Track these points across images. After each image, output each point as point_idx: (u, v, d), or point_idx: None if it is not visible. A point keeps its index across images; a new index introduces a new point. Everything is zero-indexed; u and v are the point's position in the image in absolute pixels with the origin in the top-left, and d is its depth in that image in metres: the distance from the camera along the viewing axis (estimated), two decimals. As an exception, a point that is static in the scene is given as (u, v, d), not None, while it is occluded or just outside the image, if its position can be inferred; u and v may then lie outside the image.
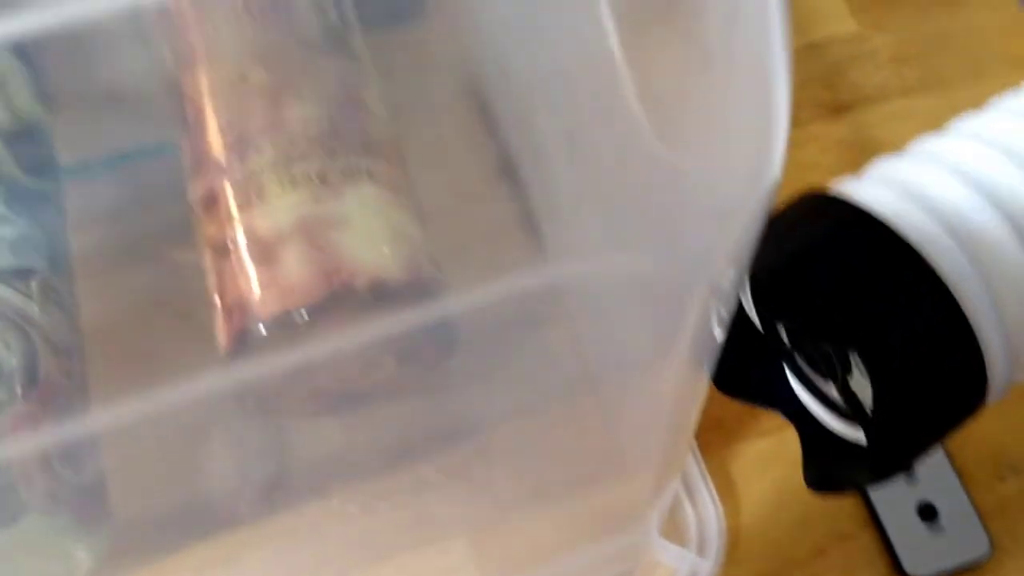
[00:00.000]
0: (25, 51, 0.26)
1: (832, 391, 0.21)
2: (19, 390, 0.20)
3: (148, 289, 0.25)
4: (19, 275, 0.22)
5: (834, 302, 0.18)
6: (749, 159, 0.13)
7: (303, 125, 0.22)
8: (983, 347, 0.18)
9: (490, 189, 0.28)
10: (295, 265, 0.21)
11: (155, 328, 0.24)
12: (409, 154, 0.25)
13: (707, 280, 0.13)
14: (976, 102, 0.22)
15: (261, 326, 0.21)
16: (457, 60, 0.30)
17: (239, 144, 0.23)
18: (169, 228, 0.25)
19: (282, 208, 0.22)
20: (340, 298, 0.21)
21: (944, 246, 0.18)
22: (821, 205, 0.19)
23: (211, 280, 0.22)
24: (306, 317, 0.21)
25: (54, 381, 0.21)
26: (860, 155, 0.32)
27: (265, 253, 0.21)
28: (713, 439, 0.28)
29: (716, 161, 0.15)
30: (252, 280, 0.21)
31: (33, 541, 0.20)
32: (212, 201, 0.23)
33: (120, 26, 0.28)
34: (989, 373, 0.18)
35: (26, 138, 0.25)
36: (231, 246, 0.22)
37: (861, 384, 0.19)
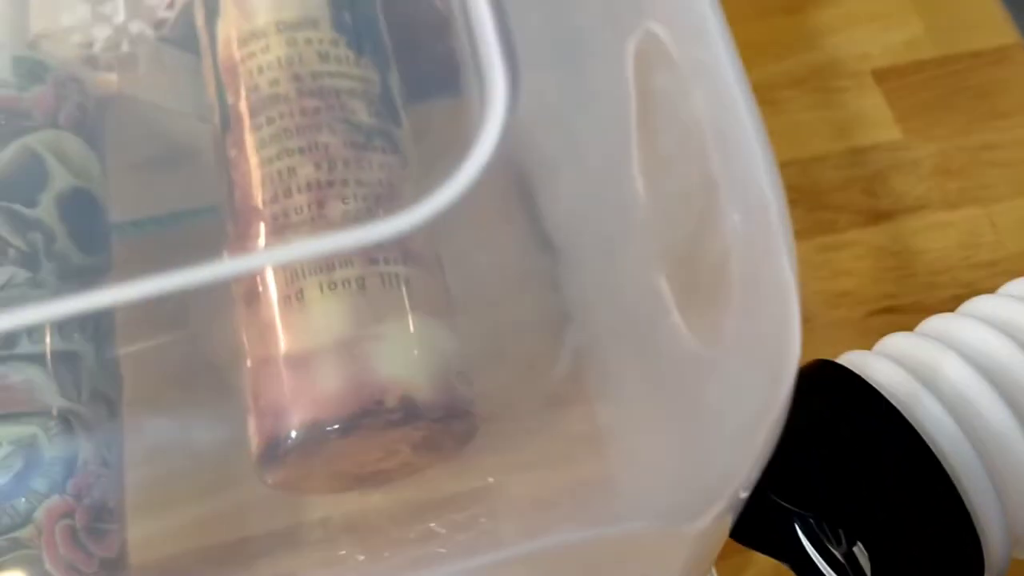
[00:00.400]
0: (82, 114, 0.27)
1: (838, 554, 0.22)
2: (57, 480, 0.21)
3: (183, 367, 0.26)
4: (65, 360, 0.23)
5: (833, 485, 0.19)
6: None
7: (344, 226, 0.23)
8: (982, 536, 0.18)
9: (527, 280, 0.29)
10: (328, 376, 0.22)
11: (185, 410, 0.25)
12: (444, 242, 0.26)
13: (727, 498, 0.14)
14: (1017, 217, 0.22)
15: (293, 434, 0.22)
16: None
17: (283, 240, 0.24)
18: (210, 299, 0.25)
19: (320, 314, 0.22)
20: (369, 414, 0.21)
21: (951, 433, 0.18)
22: (830, 379, 0.20)
23: (247, 377, 0.23)
24: (336, 430, 0.21)
25: (91, 471, 0.22)
26: (897, 264, 0.32)
27: (300, 360, 0.22)
28: (727, 548, 0.28)
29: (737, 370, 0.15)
30: (286, 386, 0.22)
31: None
32: (253, 296, 0.23)
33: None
34: (987, 558, 0.18)
35: (81, 205, 0.25)
36: (269, 347, 0.23)
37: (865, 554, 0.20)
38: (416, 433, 0.22)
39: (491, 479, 0.29)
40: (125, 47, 0.29)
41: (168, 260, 0.28)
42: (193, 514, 0.24)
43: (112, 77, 0.29)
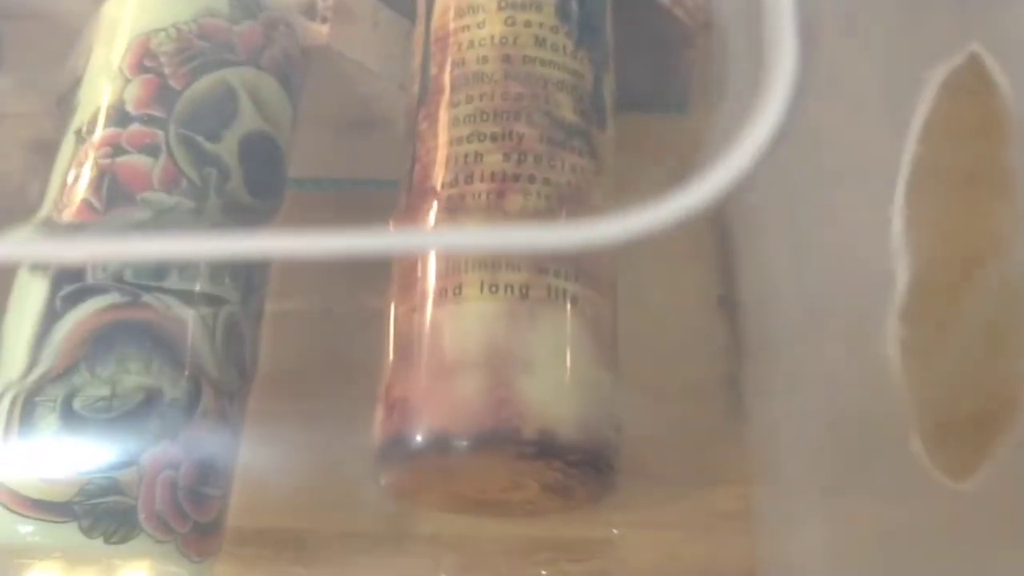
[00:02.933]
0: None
1: None
2: (173, 425, 0.20)
3: (328, 338, 0.25)
4: (210, 303, 0.22)
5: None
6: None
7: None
8: None
9: (704, 333, 0.26)
10: (469, 387, 0.20)
11: (321, 382, 0.25)
12: (625, 270, 0.24)
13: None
14: None
15: (418, 438, 0.20)
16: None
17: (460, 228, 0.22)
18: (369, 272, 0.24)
19: (474, 314, 0.21)
20: (503, 438, 0.20)
21: None
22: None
23: (387, 364, 0.22)
24: (465, 446, 0.20)
25: (212, 421, 0.21)
26: None
27: (444, 361, 0.20)
28: None
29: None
30: (422, 385, 0.20)
31: (137, 561, 0.21)
32: (410, 277, 0.22)
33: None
34: None
35: (264, 150, 0.25)
36: (415, 337, 0.21)
37: None
38: (549, 472, 0.20)
39: (616, 531, 0.27)
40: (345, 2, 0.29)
41: (336, 223, 0.27)
42: (301, 496, 0.23)
43: (324, 29, 0.28)
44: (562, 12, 0.24)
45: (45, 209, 0.23)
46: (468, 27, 0.25)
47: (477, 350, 0.20)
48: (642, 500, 0.25)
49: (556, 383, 0.20)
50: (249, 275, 0.23)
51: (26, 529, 0.19)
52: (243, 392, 0.22)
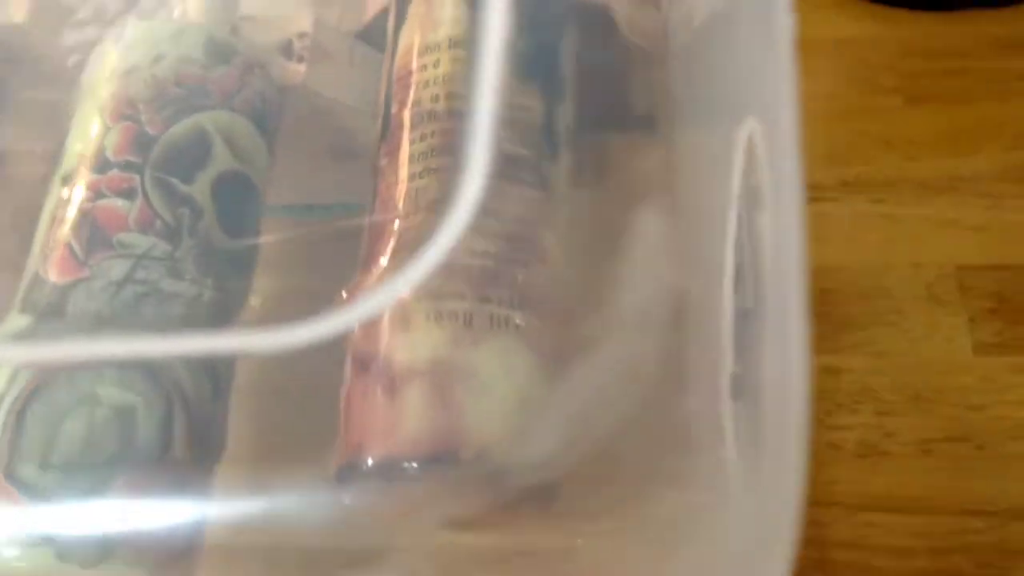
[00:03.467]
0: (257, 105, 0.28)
1: None
2: (146, 456, 0.22)
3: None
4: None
5: None
6: None
7: (466, 260, 0.23)
8: None
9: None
10: (414, 412, 0.21)
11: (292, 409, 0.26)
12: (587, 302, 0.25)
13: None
14: None
15: (369, 462, 0.22)
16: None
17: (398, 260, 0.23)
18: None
19: (420, 344, 0.22)
20: (443, 461, 0.21)
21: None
22: None
23: (344, 389, 0.23)
24: (410, 469, 0.21)
25: (180, 456, 0.23)
26: None
27: (393, 388, 0.22)
28: None
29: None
30: (374, 412, 0.22)
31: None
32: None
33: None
34: None
35: (237, 189, 0.27)
36: (370, 366, 0.23)
37: None
38: (493, 488, 0.22)
39: (580, 541, 0.28)
40: (320, 38, 0.31)
41: (309, 254, 0.29)
42: (270, 514, 0.25)
43: (301, 68, 0.30)
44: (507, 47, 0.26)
45: (33, 257, 0.25)
46: (425, 67, 0.26)
47: (423, 376, 0.22)
48: (598, 508, 0.26)
49: (495, 404, 0.21)
50: (222, 307, 0.25)
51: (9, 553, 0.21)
52: (219, 416, 0.24)
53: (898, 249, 0.35)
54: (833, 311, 0.33)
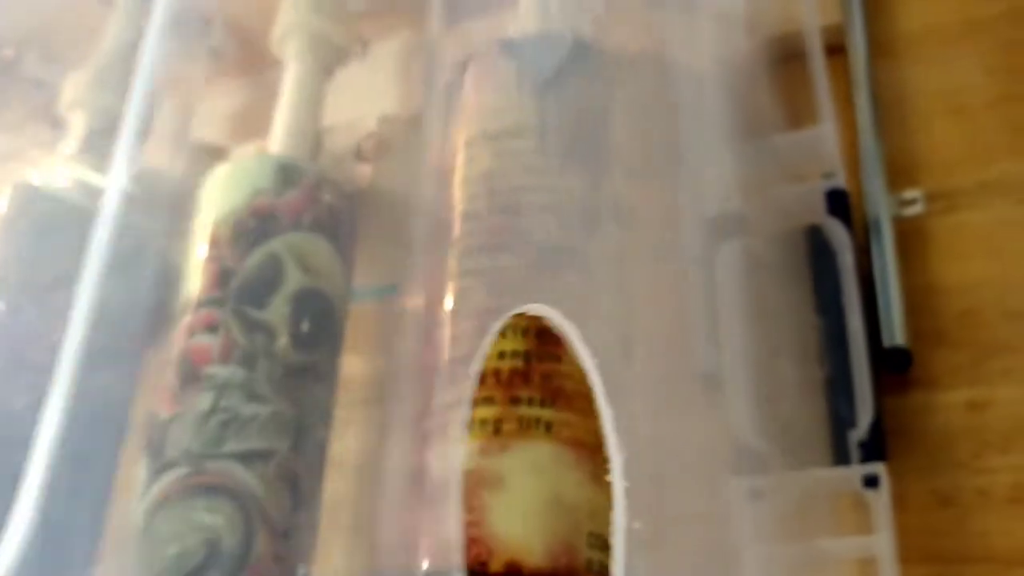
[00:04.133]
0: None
1: None
2: (231, 566, 0.24)
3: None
4: (261, 456, 0.26)
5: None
6: None
7: (497, 362, 0.23)
8: None
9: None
10: (448, 523, 0.22)
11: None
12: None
13: None
14: None
15: (423, 570, 0.22)
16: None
17: (446, 370, 0.24)
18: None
19: (452, 456, 0.22)
20: (476, 571, 0.21)
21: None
22: None
23: (404, 498, 0.24)
24: (451, 579, 0.22)
25: (264, 566, 0.25)
26: None
27: (431, 499, 0.23)
28: None
29: None
30: (419, 520, 0.23)
31: None
32: (421, 421, 0.24)
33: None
34: None
35: (309, 303, 0.28)
36: (415, 477, 0.23)
37: None
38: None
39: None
40: (384, 135, 0.32)
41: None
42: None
43: (367, 169, 0.32)
44: (542, 133, 0.26)
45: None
46: (464, 164, 0.27)
47: (455, 487, 0.22)
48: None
49: (523, 512, 0.21)
50: (299, 422, 0.27)
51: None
52: (302, 523, 0.26)
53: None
54: (977, 335, 0.30)
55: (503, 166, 0.26)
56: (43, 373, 0.30)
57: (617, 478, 0.21)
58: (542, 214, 0.25)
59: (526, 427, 0.22)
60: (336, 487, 0.27)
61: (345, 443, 0.38)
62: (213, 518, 0.25)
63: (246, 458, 0.25)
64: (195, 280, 0.28)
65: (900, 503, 0.28)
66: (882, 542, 0.25)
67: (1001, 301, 0.30)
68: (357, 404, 0.39)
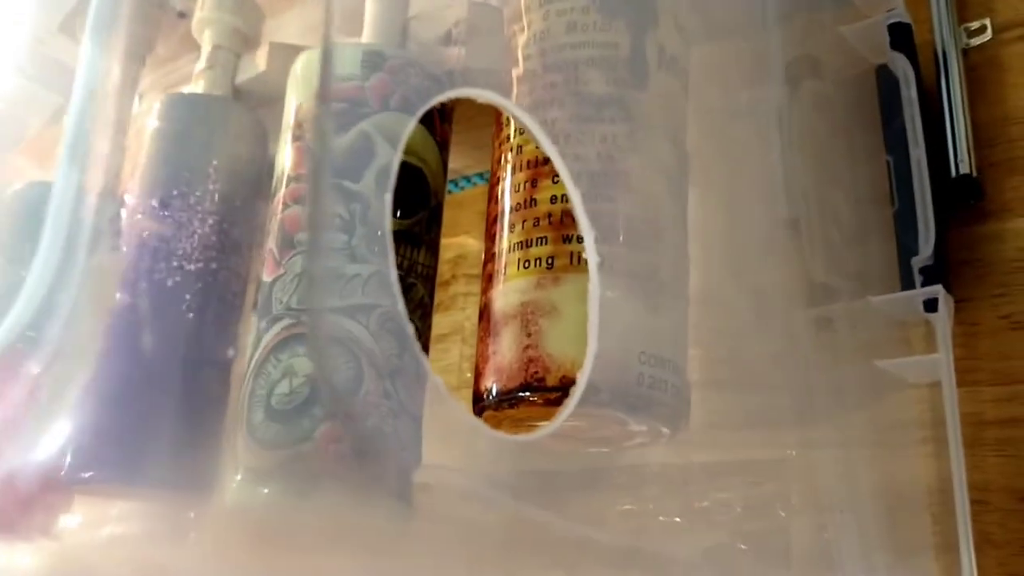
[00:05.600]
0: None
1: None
2: (340, 406, 0.28)
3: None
4: (364, 310, 0.29)
5: None
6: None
7: (549, 206, 0.26)
8: None
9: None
10: (508, 348, 0.25)
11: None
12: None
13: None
14: None
15: (485, 397, 0.26)
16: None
17: (505, 218, 0.27)
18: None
19: (512, 290, 0.25)
20: (531, 389, 0.24)
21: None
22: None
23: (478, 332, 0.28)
24: (507, 400, 0.25)
25: (372, 401, 0.29)
26: None
27: (495, 330, 0.26)
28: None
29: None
30: (485, 351, 0.26)
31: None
32: (487, 267, 0.27)
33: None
34: None
35: (400, 176, 0.32)
36: (483, 314, 0.27)
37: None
38: (593, 413, 0.24)
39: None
40: (474, 20, 0.34)
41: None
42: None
43: (461, 51, 0.34)
44: (588, -8, 0.28)
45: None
46: (521, 30, 0.29)
47: (515, 316, 0.25)
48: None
49: (576, 335, 0.24)
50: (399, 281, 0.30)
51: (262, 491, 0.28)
52: (407, 367, 0.29)
53: None
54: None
55: (550, 26, 0.28)
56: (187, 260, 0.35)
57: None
58: (588, 68, 0.27)
59: (576, 261, 0.25)
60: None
61: (466, 313, 0.42)
62: (315, 361, 0.29)
63: (351, 311, 0.29)
64: (284, 159, 0.32)
65: (972, 329, 0.29)
66: (942, 362, 0.27)
67: None
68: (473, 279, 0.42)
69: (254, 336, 0.30)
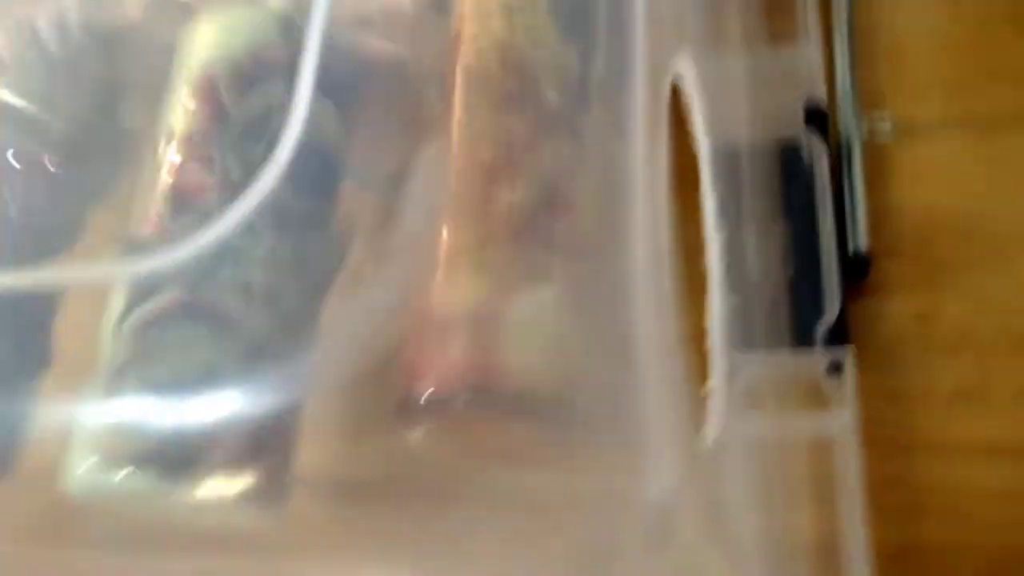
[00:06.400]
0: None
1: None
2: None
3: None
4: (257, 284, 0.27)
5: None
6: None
7: (507, 211, 0.25)
8: None
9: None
10: (457, 352, 0.23)
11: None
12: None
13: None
14: None
15: (422, 399, 0.24)
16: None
17: (453, 215, 0.26)
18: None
19: (463, 290, 0.24)
20: (486, 396, 0.23)
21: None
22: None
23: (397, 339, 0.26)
24: (459, 405, 0.23)
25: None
26: None
27: (440, 331, 0.24)
28: None
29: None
30: (424, 352, 0.24)
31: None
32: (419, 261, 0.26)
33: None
34: None
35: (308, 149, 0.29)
36: (421, 317, 0.25)
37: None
38: (540, 427, 0.23)
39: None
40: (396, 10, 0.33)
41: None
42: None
43: (379, 41, 0.33)
44: (552, 6, 0.27)
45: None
46: (477, 34, 0.28)
47: (465, 319, 0.24)
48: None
49: (532, 346, 0.23)
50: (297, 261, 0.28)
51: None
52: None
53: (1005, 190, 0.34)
54: (931, 253, 0.33)
55: (514, 35, 0.27)
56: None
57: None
58: (547, 82, 0.26)
59: (532, 270, 0.24)
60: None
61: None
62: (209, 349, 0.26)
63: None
64: (179, 115, 0.29)
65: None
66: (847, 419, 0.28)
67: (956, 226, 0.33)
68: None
69: (121, 304, 0.27)
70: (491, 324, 0.23)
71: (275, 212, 0.28)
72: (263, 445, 0.25)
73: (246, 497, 0.25)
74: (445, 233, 0.25)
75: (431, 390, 0.23)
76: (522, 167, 0.25)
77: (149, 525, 0.25)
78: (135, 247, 0.27)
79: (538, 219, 0.24)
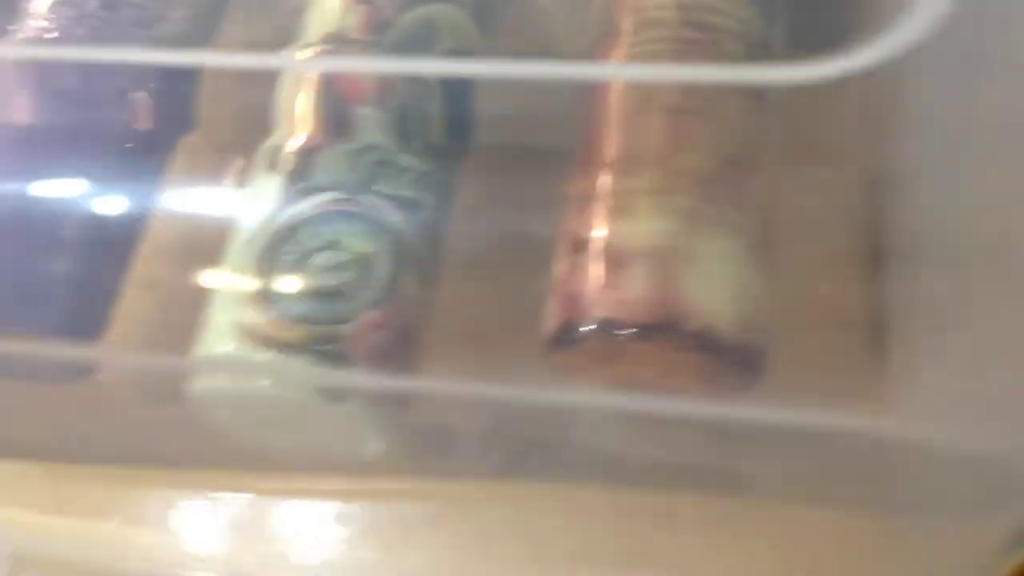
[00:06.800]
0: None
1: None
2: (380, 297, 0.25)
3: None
4: (411, 205, 0.26)
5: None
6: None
7: (691, 167, 0.25)
8: None
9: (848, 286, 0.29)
10: (638, 283, 0.24)
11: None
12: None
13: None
14: None
15: (588, 324, 0.24)
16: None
17: (628, 162, 0.26)
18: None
19: (646, 230, 0.24)
20: (666, 330, 0.23)
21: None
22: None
23: (558, 268, 0.26)
24: (632, 334, 0.23)
25: (411, 300, 0.25)
26: None
27: (617, 262, 0.24)
28: None
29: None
30: (596, 281, 0.24)
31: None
32: (586, 199, 0.26)
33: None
34: None
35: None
36: (590, 245, 0.25)
37: None
38: (706, 364, 0.24)
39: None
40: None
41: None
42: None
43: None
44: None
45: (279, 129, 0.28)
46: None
47: (649, 255, 0.24)
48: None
49: (718, 289, 0.24)
50: (442, 184, 0.28)
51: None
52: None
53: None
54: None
55: None
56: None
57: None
58: (730, 39, 0.27)
59: (717, 223, 0.24)
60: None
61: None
62: (364, 245, 0.25)
63: (399, 202, 0.26)
64: (339, 16, 0.28)
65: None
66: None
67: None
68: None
69: (277, 199, 0.26)
70: (674, 261, 0.24)
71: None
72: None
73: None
74: (622, 175, 0.25)
75: (608, 317, 0.24)
76: (707, 127, 0.25)
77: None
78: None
79: (723, 177, 0.25)
